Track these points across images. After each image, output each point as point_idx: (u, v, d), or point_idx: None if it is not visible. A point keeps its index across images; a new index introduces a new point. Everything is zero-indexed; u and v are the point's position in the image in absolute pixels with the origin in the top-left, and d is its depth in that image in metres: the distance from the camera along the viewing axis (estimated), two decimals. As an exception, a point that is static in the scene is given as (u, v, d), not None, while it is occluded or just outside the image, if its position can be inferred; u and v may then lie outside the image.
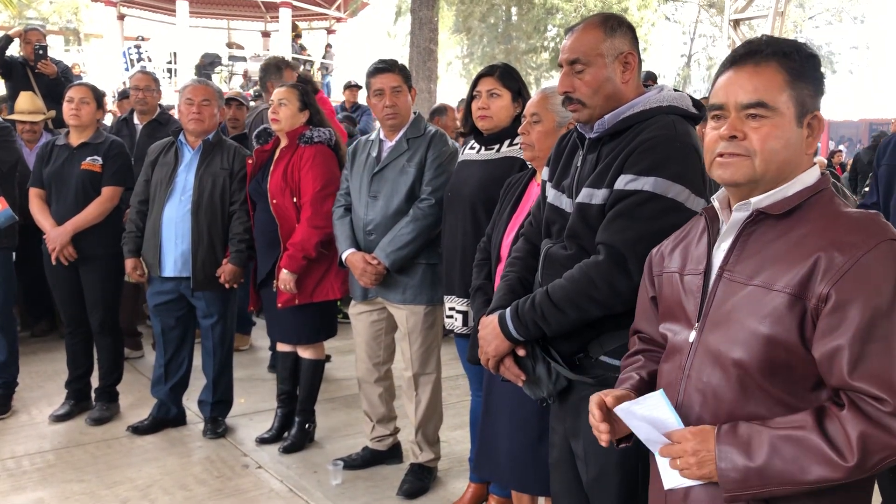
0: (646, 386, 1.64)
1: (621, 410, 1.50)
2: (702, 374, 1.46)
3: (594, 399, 1.58)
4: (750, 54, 1.45)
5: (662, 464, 1.47)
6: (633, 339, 1.78)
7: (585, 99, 2.00)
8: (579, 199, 2.00)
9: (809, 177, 1.45)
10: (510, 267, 2.27)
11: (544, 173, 2.26)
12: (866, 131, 12.97)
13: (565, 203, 2.08)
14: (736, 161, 1.43)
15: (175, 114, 6.46)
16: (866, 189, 4.63)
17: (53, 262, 4.01)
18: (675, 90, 2.06)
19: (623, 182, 1.91)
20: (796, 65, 1.42)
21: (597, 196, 1.96)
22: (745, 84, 1.43)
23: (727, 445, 1.35)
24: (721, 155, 1.45)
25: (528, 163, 2.72)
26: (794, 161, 1.43)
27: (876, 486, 1.80)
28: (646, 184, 1.88)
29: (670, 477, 1.46)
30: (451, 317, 3.08)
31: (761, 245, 1.43)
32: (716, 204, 1.54)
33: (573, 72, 2.00)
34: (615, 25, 2.01)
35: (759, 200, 1.45)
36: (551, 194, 2.16)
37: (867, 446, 1.26)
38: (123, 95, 7.00)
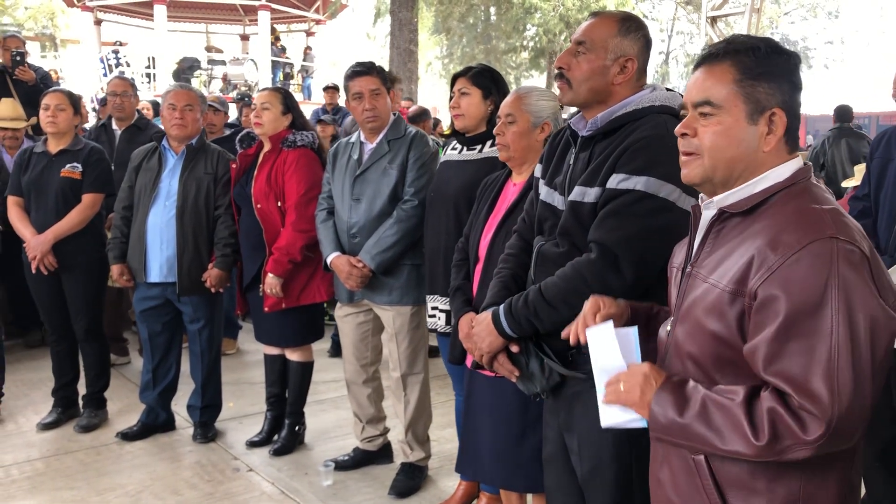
0: (635, 310, 1.75)
1: (593, 331, 1.58)
2: (672, 367, 1.52)
3: (592, 301, 1.68)
4: (708, 56, 1.50)
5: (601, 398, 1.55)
6: None
7: (574, 81, 2.03)
8: (571, 197, 2.03)
9: (782, 171, 1.45)
10: (503, 263, 2.30)
11: (537, 170, 2.28)
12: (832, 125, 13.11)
13: (558, 200, 2.11)
14: (691, 160, 1.49)
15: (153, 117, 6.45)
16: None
17: (34, 271, 4.00)
18: (668, 90, 2.08)
19: (615, 181, 1.94)
20: (751, 62, 1.44)
21: (589, 194, 1.99)
22: (699, 84, 1.49)
23: (667, 393, 1.42)
24: (684, 155, 1.51)
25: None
26: (746, 159, 1.45)
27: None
28: (637, 183, 1.91)
29: (608, 415, 1.53)
30: (433, 316, 3.10)
31: (725, 242, 1.46)
32: (700, 201, 1.58)
33: (576, 51, 2.03)
34: (632, 28, 2.03)
35: (722, 199, 1.48)
36: (544, 191, 2.18)
37: (776, 429, 1.29)
38: (104, 102, 6.97)
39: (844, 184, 5.19)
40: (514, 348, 2.11)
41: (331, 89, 10.06)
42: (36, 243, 3.95)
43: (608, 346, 1.54)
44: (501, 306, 2.10)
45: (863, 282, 1.31)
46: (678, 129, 1.51)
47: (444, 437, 4.01)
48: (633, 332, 1.55)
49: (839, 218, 1.37)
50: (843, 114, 8.54)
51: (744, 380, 1.39)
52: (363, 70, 3.37)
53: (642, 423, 1.48)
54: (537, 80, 25.66)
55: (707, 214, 1.51)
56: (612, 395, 1.50)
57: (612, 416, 1.53)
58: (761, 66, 1.45)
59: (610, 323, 1.56)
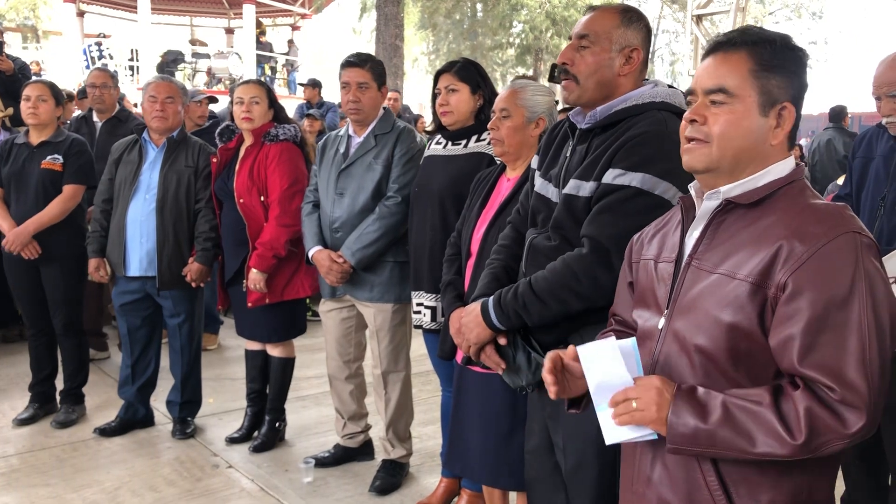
0: None
1: (586, 348, 1.48)
2: (669, 360, 1.49)
3: (550, 354, 1.60)
4: (723, 43, 1.49)
5: (606, 416, 1.46)
6: (609, 320, 1.80)
7: (580, 77, 2.00)
8: (566, 190, 2.01)
9: (782, 168, 1.46)
10: (496, 254, 2.28)
11: (534, 161, 2.26)
12: (826, 125, 13.21)
13: (552, 193, 2.09)
14: (696, 147, 1.47)
15: (135, 110, 6.37)
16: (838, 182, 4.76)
17: (21, 259, 3.93)
18: (671, 87, 2.07)
19: (611, 176, 1.92)
20: (767, 54, 1.44)
21: (584, 188, 1.97)
22: (712, 70, 1.47)
23: (683, 402, 1.37)
24: (689, 141, 1.49)
25: (496, 158, 2.74)
26: (753, 150, 1.45)
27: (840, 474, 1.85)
28: (633, 179, 1.89)
29: (613, 431, 1.45)
30: (418, 312, 3.08)
31: (730, 234, 1.45)
32: (692, 192, 1.56)
33: (578, 46, 2.01)
34: (633, 18, 2.02)
35: (729, 189, 1.47)
36: (539, 183, 2.16)
37: (814, 427, 1.29)
38: (83, 94, 6.89)
39: (839, 181, 5.23)
40: (502, 340, 2.09)
41: (309, 86, 9.96)
42: (14, 236, 3.89)
43: (609, 361, 1.45)
44: (491, 298, 2.09)
45: (882, 275, 1.35)
46: (687, 114, 1.49)
47: (426, 434, 3.99)
48: (632, 343, 1.47)
49: (850, 213, 1.40)
50: (834, 115, 8.63)
51: (759, 371, 1.39)
52: (355, 62, 3.34)
53: (653, 436, 1.42)
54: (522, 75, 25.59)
55: (709, 205, 1.49)
56: (625, 416, 1.41)
57: (619, 433, 1.44)
58: (776, 59, 1.44)
59: (612, 338, 1.48)
